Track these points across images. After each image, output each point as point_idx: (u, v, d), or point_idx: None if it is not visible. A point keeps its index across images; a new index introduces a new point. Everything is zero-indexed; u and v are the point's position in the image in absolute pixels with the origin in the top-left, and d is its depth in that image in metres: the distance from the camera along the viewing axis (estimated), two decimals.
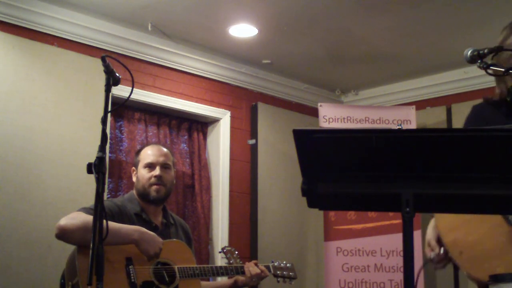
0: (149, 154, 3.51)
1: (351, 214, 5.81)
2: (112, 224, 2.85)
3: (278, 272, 3.78)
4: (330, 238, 5.78)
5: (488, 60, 2.33)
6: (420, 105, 6.27)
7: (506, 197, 1.75)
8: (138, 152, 3.59)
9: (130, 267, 3.11)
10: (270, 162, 6.14)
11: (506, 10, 4.75)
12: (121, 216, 3.30)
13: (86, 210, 3.11)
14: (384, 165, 1.75)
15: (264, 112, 6.18)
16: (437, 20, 5.02)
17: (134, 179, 3.54)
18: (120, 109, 5.27)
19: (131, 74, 2.60)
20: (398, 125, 5.67)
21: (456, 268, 2.59)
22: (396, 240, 5.63)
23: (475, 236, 2.50)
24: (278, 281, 3.81)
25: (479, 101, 2.86)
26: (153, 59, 5.42)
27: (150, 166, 3.47)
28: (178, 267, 3.27)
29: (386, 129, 1.86)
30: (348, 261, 5.72)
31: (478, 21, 5.02)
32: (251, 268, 3.57)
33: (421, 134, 1.78)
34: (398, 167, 1.74)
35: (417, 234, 5.42)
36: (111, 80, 2.54)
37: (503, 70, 2.27)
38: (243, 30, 5.22)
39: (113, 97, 2.84)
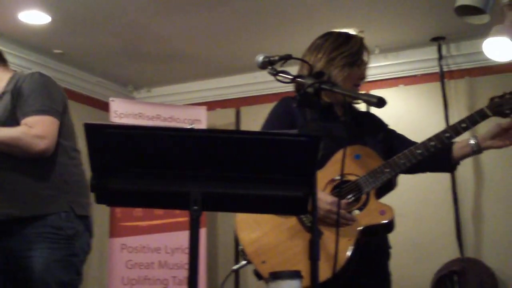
0: None
1: (138, 211, 5.79)
2: None
3: None
4: (115, 235, 5.71)
5: (278, 66, 2.43)
6: (211, 106, 6.40)
7: (287, 198, 1.84)
8: None
9: None
10: None
11: (297, 19, 5.01)
12: None
13: None
14: (174, 163, 1.76)
15: None
16: (231, 24, 5.16)
17: None
18: None
19: None
20: (190, 125, 5.75)
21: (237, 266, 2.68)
22: (181, 238, 5.70)
23: (276, 245, 2.60)
24: None
25: (267, 105, 2.97)
26: None
27: None
28: None
29: (177, 128, 1.87)
30: (133, 258, 5.69)
31: (270, 28, 5.24)
32: None
33: (210, 135, 1.82)
34: (187, 165, 1.76)
35: (202, 232, 5.53)
36: None
37: (291, 77, 2.38)
38: (34, 17, 4.98)
39: None
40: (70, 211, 2.87)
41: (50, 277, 2.77)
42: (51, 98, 2.90)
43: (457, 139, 2.71)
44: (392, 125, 2.97)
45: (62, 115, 2.92)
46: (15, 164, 2.85)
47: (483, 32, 4.46)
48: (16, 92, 2.87)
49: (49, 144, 2.78)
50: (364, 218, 2.58)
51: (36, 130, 2.75)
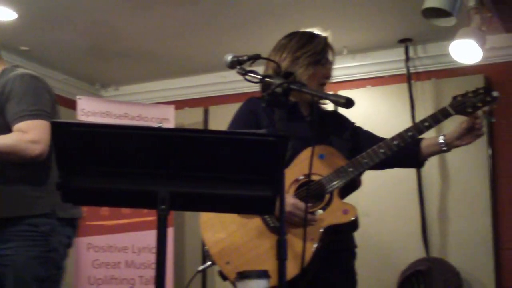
0: None
1: (104, 210, 5.74)
2: None
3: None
4: (81, 234, 5.64)
5: (247, 66, 2.43)
6: (179, 105, 6.37)
7: (255, 198, 1.84)
8: None
9: None
10: None
11: (265, 19, 5.02)
12: None
13: None
14: (141, 162, 1.76)
15: None
16: (200, 23, 5.15)
17: None
18: None
19: None
20: (158, 123, 5.72)
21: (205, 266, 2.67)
22: (148, 237, 5.67)
23: (240, 245, 2.60)
24: None
25: (236, 105, 2.97)
26: None
27: None
28: None
29: (145, 127, 1.87)
30: (99, 258, 5.64)
31: (238, 28, 5.23)
32: None
33: (178, 134, 1.81)
34: (155, 164, 1.76)
35: (170, 231, 5.51)
36: None
37: (259, 77, 2.38)
38: (0, 13, 4.90)
39: None
40: (52, 213, 2.89)
41: (28, 274, 2.80)
42: (41, 101, 2.89)
43: (425, 137, 2.74)
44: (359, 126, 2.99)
45: (51, 116, 2.91)
46: (9, 169, 2.88)
47: (450, 34, 4.52)
48: (4, 96, 2.85)
49: (43, 148, 2.79)
50: (327, 217, 2.59)
51: (30, 135, 2.76)
